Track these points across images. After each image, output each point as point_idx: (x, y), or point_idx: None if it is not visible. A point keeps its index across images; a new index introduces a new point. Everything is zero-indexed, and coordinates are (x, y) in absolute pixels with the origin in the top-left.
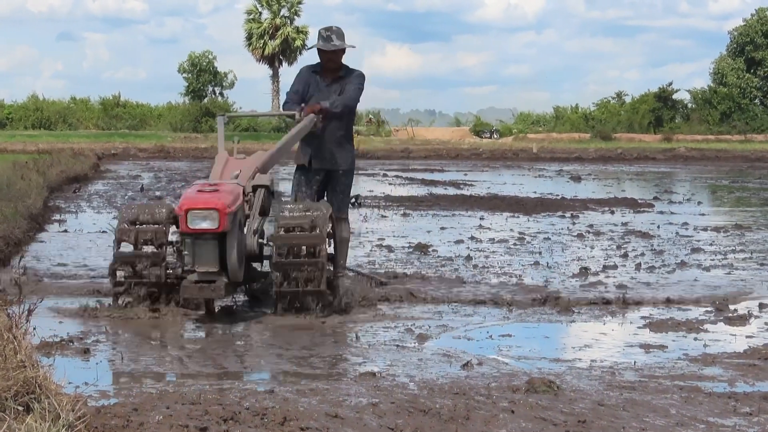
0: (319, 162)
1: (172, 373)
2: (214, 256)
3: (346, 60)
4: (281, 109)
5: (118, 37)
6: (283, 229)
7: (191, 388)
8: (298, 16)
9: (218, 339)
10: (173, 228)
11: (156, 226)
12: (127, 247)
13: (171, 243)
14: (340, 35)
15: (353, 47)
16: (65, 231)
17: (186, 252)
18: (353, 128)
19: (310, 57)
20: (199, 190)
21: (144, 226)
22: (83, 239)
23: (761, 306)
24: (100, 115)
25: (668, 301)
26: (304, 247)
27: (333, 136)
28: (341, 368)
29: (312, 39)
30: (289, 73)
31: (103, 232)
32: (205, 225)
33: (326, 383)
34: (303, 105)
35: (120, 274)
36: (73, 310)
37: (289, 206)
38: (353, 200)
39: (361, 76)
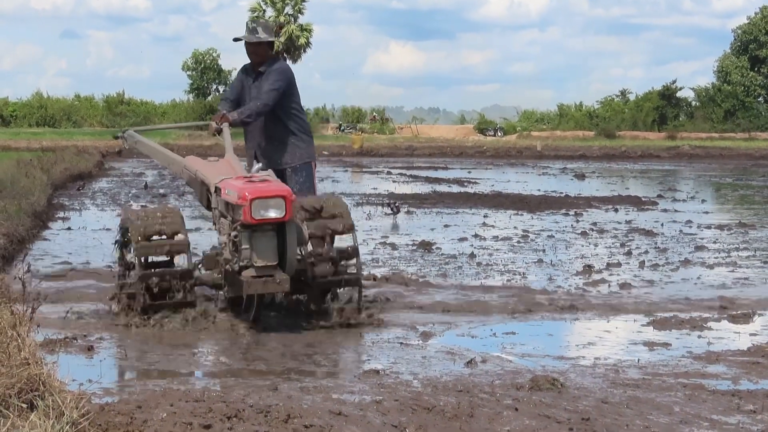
0: (265, 163)
1: (176, 370)
2: (273, 248)
3: (345, 55)
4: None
5: (121, 35)
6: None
7: (195, 385)
8: (302, 13)
9: (221, 336)
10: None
11: (180, 236)
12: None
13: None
14: (268, 28)
15: (277, 39)
16: (69, 228)
17: (245, 246)
18: (302, 121)
19: (313, 54)
20: (250, 180)
21: (162, 237)
22: (87, 237)
23: (765, 304)
24: (104, 113)
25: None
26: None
27: (272, 135)
28: (345, 366)
29: (316, 36)
30: (294, 71)
31: (108, 229)
32: (272, 214)
33: (330, 381)
34: (224, 113)
35: (136, 295)
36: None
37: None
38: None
39: (280, 71)
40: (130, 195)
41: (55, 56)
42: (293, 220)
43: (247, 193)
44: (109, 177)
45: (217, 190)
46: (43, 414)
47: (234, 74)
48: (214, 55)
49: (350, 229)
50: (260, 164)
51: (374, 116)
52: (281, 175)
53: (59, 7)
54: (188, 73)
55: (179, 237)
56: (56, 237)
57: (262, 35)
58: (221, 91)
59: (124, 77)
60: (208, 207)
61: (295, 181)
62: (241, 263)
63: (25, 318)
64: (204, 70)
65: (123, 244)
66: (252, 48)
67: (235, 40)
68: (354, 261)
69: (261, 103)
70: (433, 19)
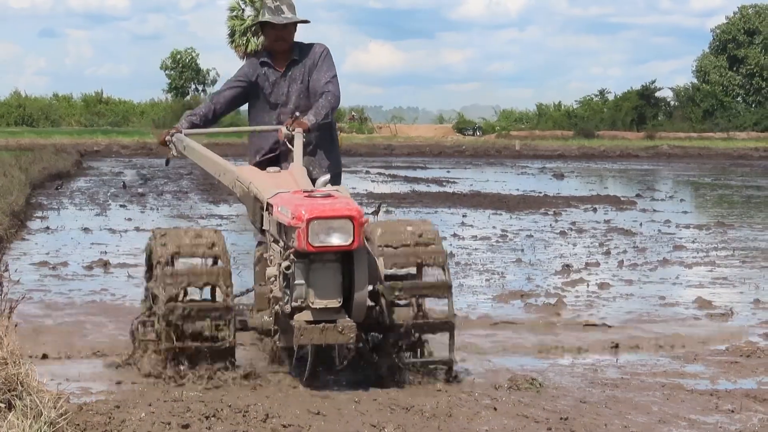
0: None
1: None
2: (337, 285)
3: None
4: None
5: (100, 34)
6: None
7: (173, 385)
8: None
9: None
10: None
11: (220, 264)
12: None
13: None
14: (291, 6)
15: (307, 22)
16: (47, 228)
17: (299, 281)
18: (334, 125)
19: None
20: (309, 196)
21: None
22: (66, 237)
23: (743, 304)
24: (83, 112)
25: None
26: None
27: (319, 137)
28: (322, 366)
29: (296, 35)
30: None
31: (87, 229)
32: (335, 240)
33: (308, 381)
34: (293, 117)
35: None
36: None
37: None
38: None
39: (328, 55)
40: (108, 194)
41: (34, 55)
42: (363, 249)
43: (303, 212)
44: (87, 176)
45: (269, 207)
46: (21, 414)
47: (213, 73)
48: (193, 54)
49: (443, 261)
50: (328, 175)
51: (353, 115)
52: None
53: (37, 5)
54: (167, 72)
55: (219, 264)
56: (34, 237)
57: (289, 14)
58: (200, 91)
59: (102, 76)
60: (261, 230)
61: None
62: (293, 303)
63: (4, 316)
64: (183, 69)
65: (147, 275)
66: (278, 32)
67: (260, 24)
68: (446, 301)
69: (331, 98)
70: (412, 19)
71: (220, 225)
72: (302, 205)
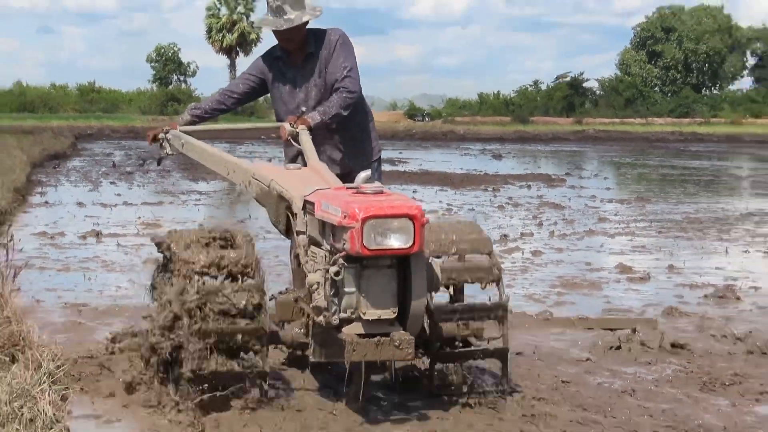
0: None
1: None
2: (392, 294)
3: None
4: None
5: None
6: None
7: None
8: (253, 11)
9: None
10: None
11: (252, 281)
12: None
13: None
14: (297, 2)
15: (317, 16)
16: (46, 203)
17: (349, 288)
18: (367, 111)
19: (263, 48)
20: (360, 192)
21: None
22: (62, 210)
23: (659, 269)
24: (77, 100)
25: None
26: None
27: (355, 128)
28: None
29: (266, 32)
30: (244, 64)
31: (80, 203)
32: (394, 242)
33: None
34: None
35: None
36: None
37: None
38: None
39: (345, 44)
40: (100, 173)
41: (33, 49)
42: (422, 253)
43: (357, 210)
44: (81, 157)
45: (308, 205)
46: (23, 366)
47: (193, 66)
48: (175, 49)
49: (499, 276)
50: (368, 172)
51: None
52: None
53: (36, 4)
54: (152, 64)
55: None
56: (35, 210)
57: (292, 13)
58: (181, 81)
59: (94, 68)
60: (287, 232)
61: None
62: (342, 314)
63: (8, 280)
64: (166, 62)
65: (153, 286)
66: (285, 35)
67: (257, 26)
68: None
69: (346, 94)
70: (368, 18)
71: (199, 200)
72: (355, 203)
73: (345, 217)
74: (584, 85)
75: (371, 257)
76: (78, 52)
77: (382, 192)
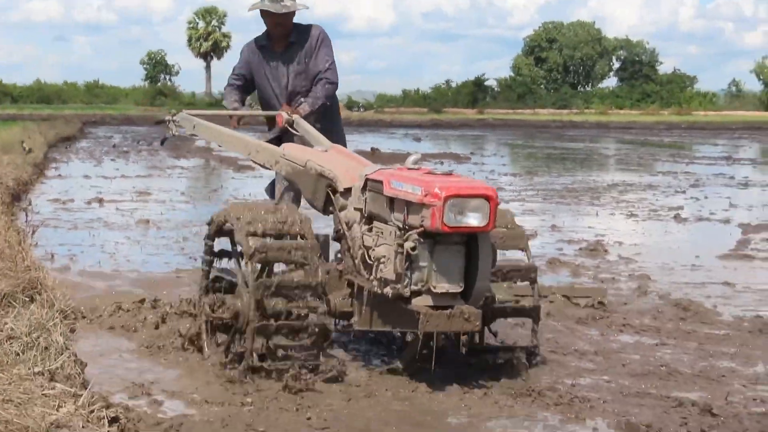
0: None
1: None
2: (460, 269)
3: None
4: (224, 91)
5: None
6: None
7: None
8: (224, 24)
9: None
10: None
11: (304, 252)
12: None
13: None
14: None
15: (306, 8)
16: (60, 176)
17: (423, 263)
18: (336, 101)
19: (232, 54)
20: (431, 172)
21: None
22: (73, 182)
23: (544, 228)
24: (85, 94)
25: None
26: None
27: (328, 121)
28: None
29: (235, 40)
30: (217, 65)
31: (86, 176)
32: (472, 221)
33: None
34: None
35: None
36: None
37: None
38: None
39: (326, 39)
40: (102, 152)
41: (50, 53)
42: (490, 233)
43: (438, 189)
44: (87, 139)
45: (371, 183)
46: (39, 305)
47: (176, 67)
48: (163, 54)
49: (526, 245)
50: (419, 155)
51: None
52: None
53: (52, 18)
54: (144, 66)
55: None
56: (50, 181)
57: (288, 2)
58: (167, 79)
59: (98, 69)
60: (324, 209)
61: None
62: (413, 287)
63: (28, 236)
64: (155, 64)
65: (208, 258)
66: (278, 19)
67: (253, 9)
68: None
69: (329, 85)
70: None
71: (182, 173)
72: (435, 182)
73: (426, 195)
74: (485, 83)
75: (443, 234)
76: (86, 56)
77: (451, 174)
